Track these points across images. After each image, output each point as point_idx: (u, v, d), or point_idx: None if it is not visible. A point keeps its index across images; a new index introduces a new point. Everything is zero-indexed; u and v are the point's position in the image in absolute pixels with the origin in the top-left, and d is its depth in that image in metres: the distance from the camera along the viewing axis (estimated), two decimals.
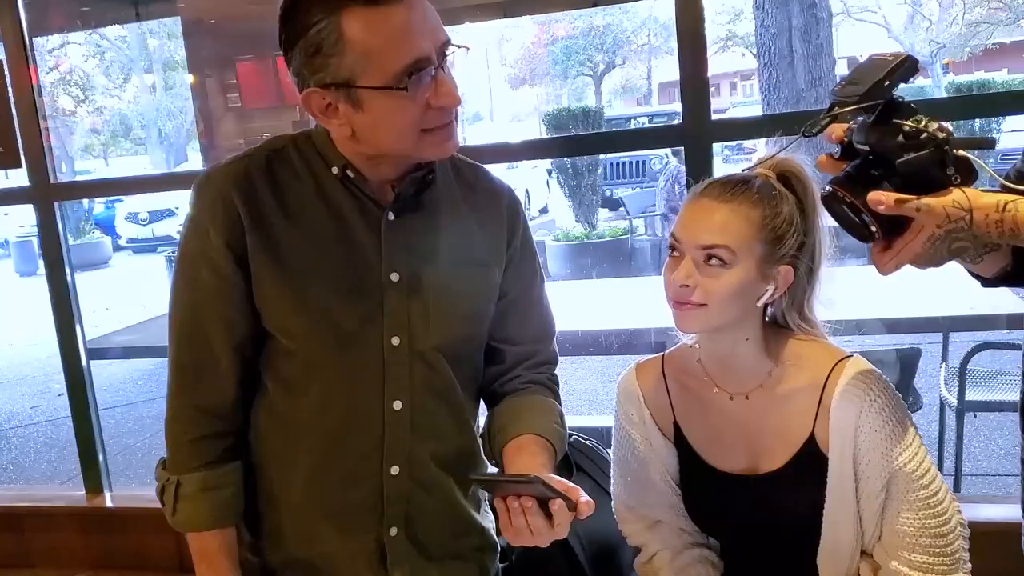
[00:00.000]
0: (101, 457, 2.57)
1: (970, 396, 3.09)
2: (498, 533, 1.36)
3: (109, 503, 2.53)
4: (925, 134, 0.95)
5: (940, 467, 3.51)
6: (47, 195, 2.46)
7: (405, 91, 1.08)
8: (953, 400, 3.11)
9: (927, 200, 0.95)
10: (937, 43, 18.12)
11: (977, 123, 9.29)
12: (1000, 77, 14.46)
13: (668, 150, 9.51)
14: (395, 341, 1.22)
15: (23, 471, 5.12)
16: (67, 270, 2.48)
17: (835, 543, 1.24)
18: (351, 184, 1.20)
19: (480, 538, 1.37)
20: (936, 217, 0.95)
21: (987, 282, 1.17)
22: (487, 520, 1.40)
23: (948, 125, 0.96)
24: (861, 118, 1.00)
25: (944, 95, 9.70)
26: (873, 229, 0.99)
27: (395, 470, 1.24)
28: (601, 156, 10.01)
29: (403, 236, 1.22)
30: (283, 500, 1.28)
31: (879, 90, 0.97)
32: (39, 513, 2.53)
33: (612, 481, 1.42)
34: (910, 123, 0.96)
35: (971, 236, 0.98)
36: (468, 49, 1.15)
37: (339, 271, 1.20)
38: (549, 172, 11.49)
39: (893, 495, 1.20)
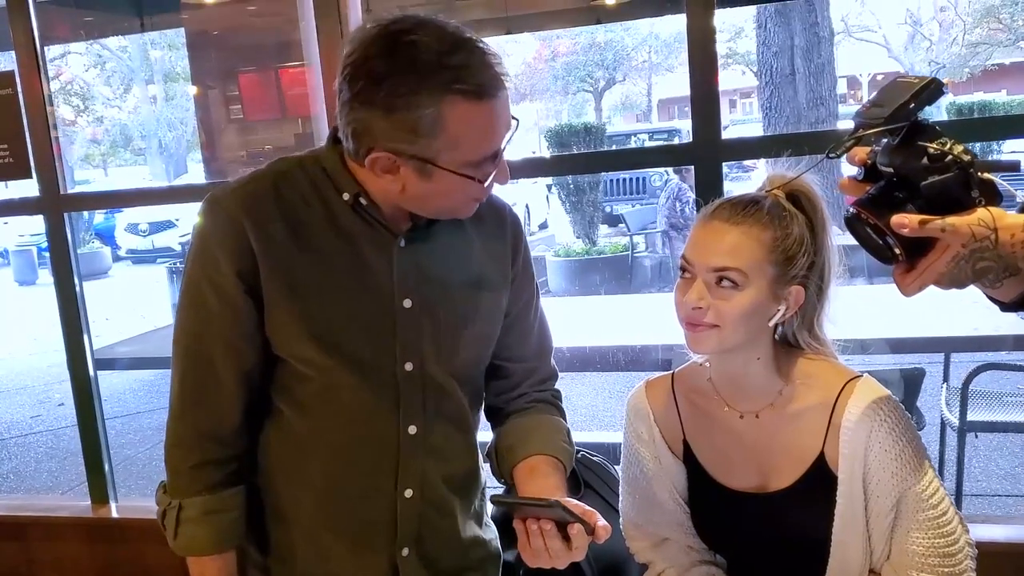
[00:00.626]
0: (107, 467, 2.56)
1: (972, 416, 3.10)
2: (505, 548, 1.37)
3: (115, 513, 2.52)
4: (950, 156, 0.96)
5: None
6: (57, 206, 2.46)
7: (480, 183, 1.13)
8: (955, 420, 3.12)
9: (952, 219, 0.95)
10: (937, 63, 18.26)
11: (978, 146, 9.36)
12: (1000, 98, 14.56)
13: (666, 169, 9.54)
14: (408, 367, 1.23)
15: (23, 481, 5.10)
16: (76, 280, 2.48)
17: (843, 562, 1.24)
18: (363, 211, 1.19)
19: (484, 550, 1.39)
20: (961, 236, 0.95)
21: (1005, 307, 1.18)
22: (489, 532, 1.42)
23: (972, 148, 0.98)
24: (885, 140, 1.00)
25: (945, 116, 9.77)
26: (897, 251, 0.99)
27: (409, 493, 1.26)
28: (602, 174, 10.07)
29: (414, 262, 1.22)
30: (293, 518, 1.28)
31: (904, 112, 0.97)
32: (43, 523, 2.52)
33: (620, 498, 1.43)
34: (935, 145, 0.96)
35: (996, 256, 0.97)
36: (518, 121, 1.19)
37: (351, 298, 1.20)
38: (549, 188, 11.53)
39: (903, 514, 1.21)
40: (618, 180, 11.69)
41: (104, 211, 14.76)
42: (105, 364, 4.38)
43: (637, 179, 11.73)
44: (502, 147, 1.14)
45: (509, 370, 1.37)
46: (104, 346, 4.76)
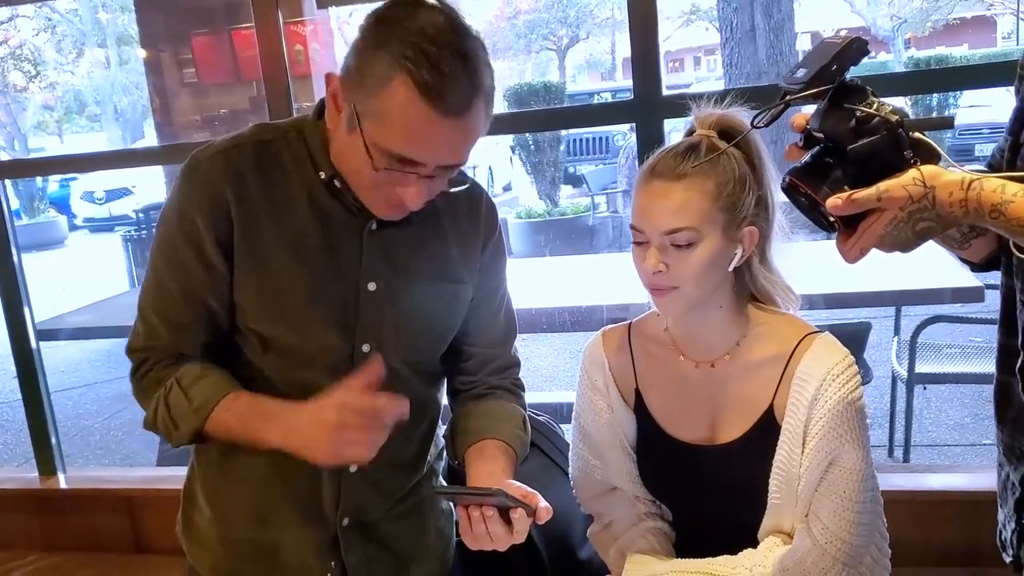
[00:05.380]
0: (54, 439, 2.53)
1: (920, 368, 3.15)
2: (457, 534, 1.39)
3: (63, 484, 2.49)
4: (877, 118, 0.93)
5: (891, 438, 3.60)
6: None
7: (376, 171, 1.09)
8: (904, 373, 3.18)
9: (885, 184, 0.92)
10: (899, 18, 18.25)
11: (935, 98, 9.42)
12: (960, 52, 14.64)
13: (630, 126, 9.47)
14: (365, 348, 1.24)
15: None
16: (14, 251, 2.42)
17: (777, 515, 1.26)
18: (338, 193, 1.20)
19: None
20: (898, 200, 0.92)
21: (975, 267, 1.17)
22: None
23: (905, 106, 0.96)
24: (817, 104, 0.97)
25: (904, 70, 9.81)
26: (832, 219, 0.97)
27: (353, 468, 1.27)
28: (563, 132, 10.00)
29: (383, 246, 1.23)
30: (244, 478, 1.30)
31: (827, 74, 0.94)
32: None
33: (571, 447, 1.44)
34: (862, 107, 0.93)
35: (935, 216, 0.93)
36: (467, 185, 1.21)
37: (318, 277, 1.21)
38: (512, 149, 11.43)
39: (831, 470, 1.21)
40: (581, 140, 11.62)
41: (58, 179, 14.44)
42: (54, 335, 4.31)
43: (599, 138, 11.65)
44: (428, 172, 1.10)
45: (468, 353, 1.38)
46: (56, 315, 4.68)
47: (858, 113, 0.93)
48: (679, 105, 2.10)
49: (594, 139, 11.68)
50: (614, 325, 1.42)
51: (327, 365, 1.23)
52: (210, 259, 1.19)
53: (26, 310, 2.46)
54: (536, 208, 9.53)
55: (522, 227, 8.88)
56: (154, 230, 1.26)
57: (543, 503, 1.11)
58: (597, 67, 24.38)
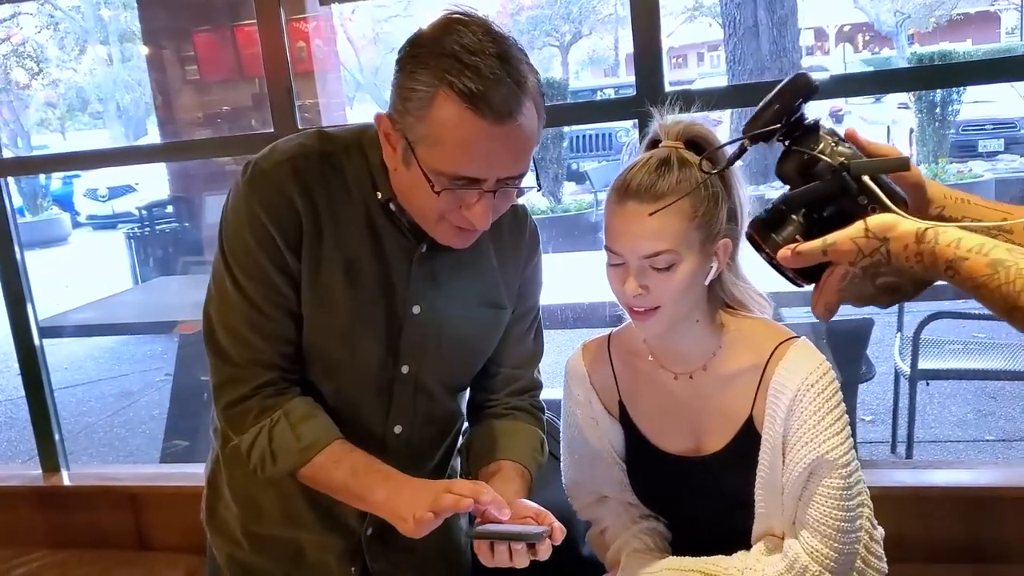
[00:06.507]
0: (57, 436, 2.52)
1: (923, 364, 3.15)
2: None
3: (67, 481, 2.49)
4: (821, 162, 0.85)
5: (894, 434, 3.60)
6: None
7: (437, 194, 1.07)
8: (907, 369, 3.17)
9: (833, 236, 0.83)
10: (903, 13, 18.18)
11: (939, 94, 9.38)
12: (963, 47, 14.60)
13: (632, 122, 9.46)
14: (405, 369, 1.26)
15: None
16: (16, 248, 2.42)
17: (767, 523, 1.25)
18: (392, 215, 1.19)
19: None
20: (846, 254, 0.83)
21: None
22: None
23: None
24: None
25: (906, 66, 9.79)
26: (790, 275, 0.90)
27: None
28: (566, 128, 9.98)
29: (431, 270, 1.24)
30: (272, 483, 1.30)
31: (768, 115, 0.88)
32: None
33: (561, 458, 1.43)
34: (807, 150, 0.86)
35: (895, 271, 0.84)
36: (538, 188, 1.16)
37: (368, 296, 1.21)
38: None
39: (811, 480, 1.20)
40: (584, 136, 11.60)
41: (61, 176, 14.45)
42: (58, 332, 4.32)
43: (602, 135, 11.63)
44: (489, 187, 1.08)
45: (492, 372, 1.39)
46: (59, 313, 4.69)
47: (805, 156, 0.86)
48: (683, 102, 2.11)
49: (597, 135, 11.66)
50: (593, 338, 1.41)
51: (372, 384, 1.25)
52: (287, 263, 1.17)
53: (29, 307, 2.45)
54: (539, 205, 9.52)
55: None
56: (218, 245, 1.21)
57: (557, 523, 1.12)
58: (600, 63, 24.31)
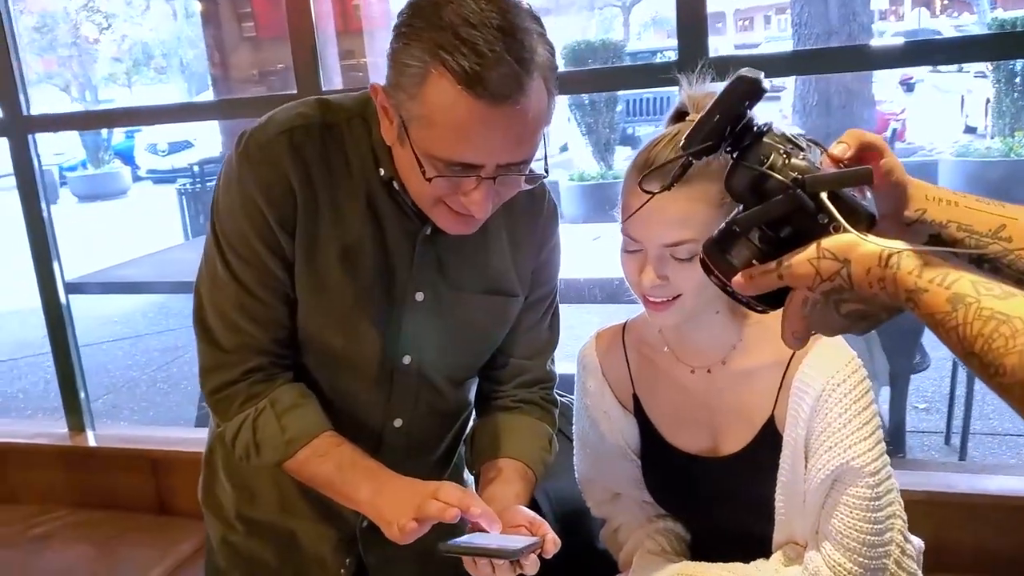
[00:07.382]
0: (83, 395, 2.53)
1: None
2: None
3: (92, 442, 2.50)
4: (771, 179, 0.73)
5: (948, 425, 3.45)
6: (22, 128, 2.36)
7: (428, 181, 0.98)
8: None
9: (788, 258, 0.73)
10: None
11: (1020, 63, 8.89)
12: None
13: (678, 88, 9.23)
14: (406, 360, 1.18)
15: (31, 401, 5.17)
16: (43, 205, 2.40)
17: (788, 529, 1.17)
18: (395, 194, 1.10)
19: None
20: (803, 278, 0.72)
21: None
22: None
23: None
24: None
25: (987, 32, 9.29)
26: (744, 300, 0.79)
27: None
28: (620, 92, 9.76)
29: (435, 254, 1.15)
30: (267, 468, 1.24)
31: (709, 128, 0.76)
32: (21, 450, 2.51)
33: (575, 452, 1.36)
34: (754, 166, 0.74)
35: (858, 297, 0.73)
36: (546, 176, 1.05)
37: (366, 280, 1.13)
38: (569, 107, 11.23)
39: (835, 487, 1.11)
40: (640, 100, 11.36)
41: (124, 131, 14.71)
42: (87, 289, 4.39)
43: (659, 99, 11.33)
44: (487, 173, 0.97)
45: (501, 361, 1.30)
46: (105, 268, 4.75)
47: (754, 173, 0.74)
48: (726, 68, 1.97)
49: (653, 99, 11.39)
50: (608, 326, 1.32)
51: (371, 375, 1.18)
52: (280, 244, 1.09)
53: (56, 264, 2.44)
54: (589, 171, 9.34)
55: (574, 190, 8.73)
56: (209, 222, 1.15)
57: (551, 534, 1.05)
58: (663, 25, 23.81)
